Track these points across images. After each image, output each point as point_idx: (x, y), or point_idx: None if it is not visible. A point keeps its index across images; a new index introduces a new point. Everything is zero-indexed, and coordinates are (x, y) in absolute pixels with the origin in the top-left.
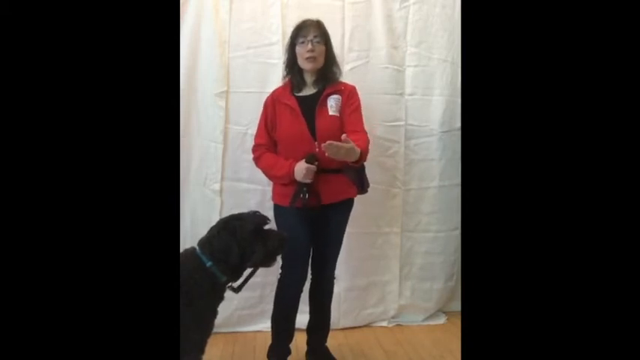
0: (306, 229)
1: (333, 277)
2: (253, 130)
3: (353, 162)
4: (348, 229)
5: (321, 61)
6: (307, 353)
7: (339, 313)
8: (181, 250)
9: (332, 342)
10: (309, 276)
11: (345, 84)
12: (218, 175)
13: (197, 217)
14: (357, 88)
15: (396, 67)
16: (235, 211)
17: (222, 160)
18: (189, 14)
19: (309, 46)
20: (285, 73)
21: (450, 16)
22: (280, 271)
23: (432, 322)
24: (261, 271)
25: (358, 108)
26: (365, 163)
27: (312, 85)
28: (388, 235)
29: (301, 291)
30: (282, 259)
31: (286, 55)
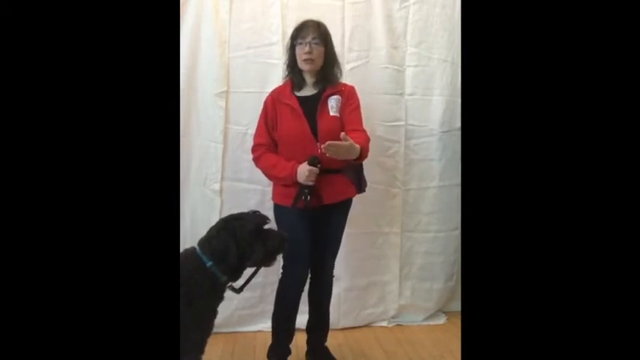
0: (307, 229)
1: (333, 277)
2: (253, 130)
3: (354, 159)
4: (348, 229)
5: (319, 63)
6: (307, 353)
7: (339, 313)
8: (181, 250)
9: (332, 342)
10: (309, 276)
11: (344, 84)
12: (218, 175)
13: (197, 217)
14: (357, 88)
15: (396, 67)
16: (235, 211)
17: (222, 160)
18: (189, 14)
19: (307, 48)
20: (285, 73)
21: (450, 16)
22: (281, 271)
23: (432, 322)
24: (261, 271)
25: (358, 107)
26: (365, 163)
27: (312, 85)
28: (388, 235)
29: (302, 291)
30: (283, 259)
31: (287, 56)
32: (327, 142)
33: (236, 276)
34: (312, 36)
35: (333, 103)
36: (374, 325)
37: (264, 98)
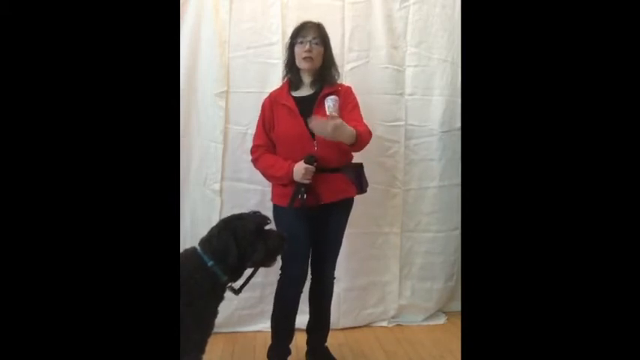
0: (306, 229)
1: (333, 277)
2: (253, 130)
3: (352, 147)
4: (348, 229)
5: (318, 62)
6: (307, 353)
7: (339, 313)
8: (181, 250)
9: (332, 342)
10: (309, 276)
11: (341, 85)
12: (218, 175)
13: (197, 217)
14: (357, 88)
15: (396, 67)
16: (235, 211)
17: (222, 160)
18: (189, 14)
19: (307, 46)
20: (284, 72)
21: (450, 16)
22: (280, 271)
23: (432, 322)
24: (261, 271)
25: (356, 106)
26: (365, 163)
27: (309, 85)
28: (388, 235)
29: (301, 291)
30: (282, 259)
31: (286, 55)
32: (312, 117)
33: (237, 276)
34: (312, 36)
35: (330, 103)
36: (374, 325)
37: (264, 98)
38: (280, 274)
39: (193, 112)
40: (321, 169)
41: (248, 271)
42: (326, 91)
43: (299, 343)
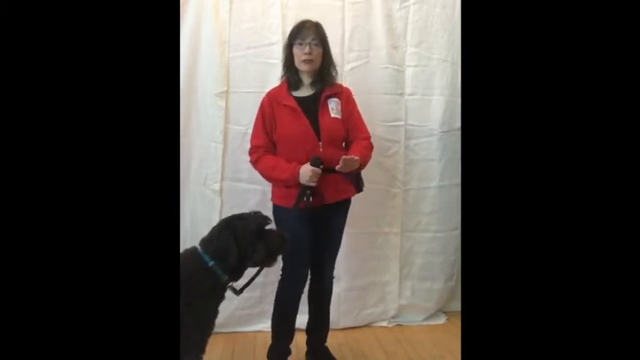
0: (307, 229)
1: (333, 277)
2: None
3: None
4: (348, 229)
5: (317, 63)
6: (307, 353)
7: (339, 313)
8: (181, 250)
9: (332, 342)
10: (309, 276)
11: (341, 86)
12: (218, 175)
13: (197, 217)
14: (357, 88)
15: (396, 67)
16: (235, 211)
17: (222, 160)
18: (189, 14)
19: (307, 48)
20: (282, 72)
21: (450, 16)
22: (281, 271)
23: (432, 322)
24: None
25: (359, 113)
26: None
27: (309, 85)
28: (388, 235)
29: (302, 291)
30: (283, 259)
31: (284, 55)
32: (343, 158)
33: (237, 276)
34: (312, 37)
35: (333, 105)
36: (374, 325)
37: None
38: (281, 275)
39: (193, 112)
40: (326, 170)
41: (249, 271)
42: (328, 91)
43: (299, 343)
